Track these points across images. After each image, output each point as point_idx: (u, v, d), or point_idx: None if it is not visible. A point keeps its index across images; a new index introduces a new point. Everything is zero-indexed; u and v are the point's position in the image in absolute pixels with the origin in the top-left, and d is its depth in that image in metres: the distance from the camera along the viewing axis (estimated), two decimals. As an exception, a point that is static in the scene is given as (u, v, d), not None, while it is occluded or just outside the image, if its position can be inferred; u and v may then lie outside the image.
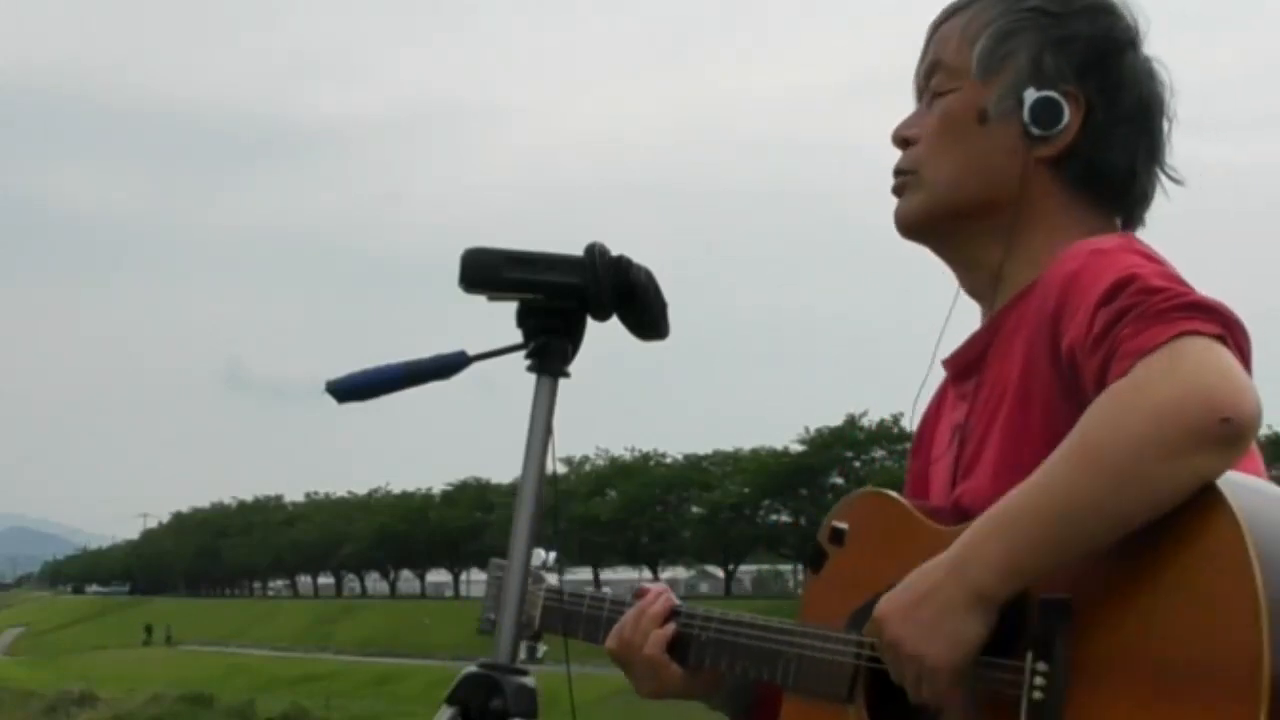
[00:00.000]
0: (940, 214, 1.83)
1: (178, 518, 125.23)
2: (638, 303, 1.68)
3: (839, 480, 61.80)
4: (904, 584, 1.58)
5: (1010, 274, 1.79)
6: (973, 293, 1.87)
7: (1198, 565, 1.43)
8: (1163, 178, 1.84)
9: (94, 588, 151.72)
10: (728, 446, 71.71)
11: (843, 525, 1.79)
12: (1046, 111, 1.76)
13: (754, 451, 68.08)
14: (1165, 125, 1.83)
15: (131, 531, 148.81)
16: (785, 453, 65.87)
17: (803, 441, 64.52)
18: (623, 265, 1.67)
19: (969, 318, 1.88)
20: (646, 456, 74.88)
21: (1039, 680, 1.50)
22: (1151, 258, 1.65)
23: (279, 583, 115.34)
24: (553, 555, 2.23)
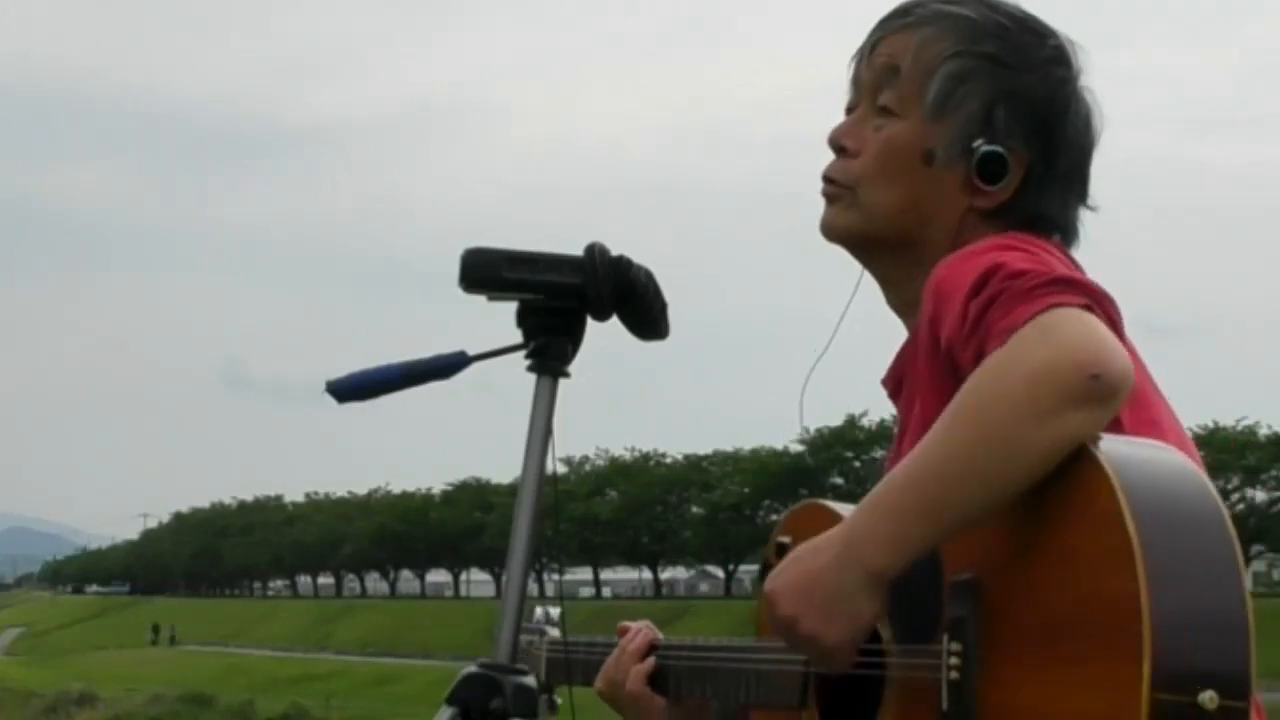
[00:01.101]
0: (870, 239, 1.87)
1: (178, 518, 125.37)
2: (638, 303, 1.68)
3: (839, 480, 61.89)
4: (793, 557, 1.59)
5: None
6: (892, 306, 1.91)
7: (1076, 524, 1.44)
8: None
9: (94, 588, 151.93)
10: (728, 446, 71.86)
11: (786, 540, 1.82)
12: (992, 166, 1.79)
13: (754, 451, 68.19)
14: (1091, 163, 1.87)
15: (131, 531, 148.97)
16: (785, 453, 65.97)
17: (803, 441, 64.63)
18: (623, 265, 1.67)
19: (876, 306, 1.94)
20: (646, 456, 74.96)
21: (954, 660, 1.53)
22: (1019, 248, 1.68)
23: (279, 583, 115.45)
24: (555, 612, 2.36)
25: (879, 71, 1.86)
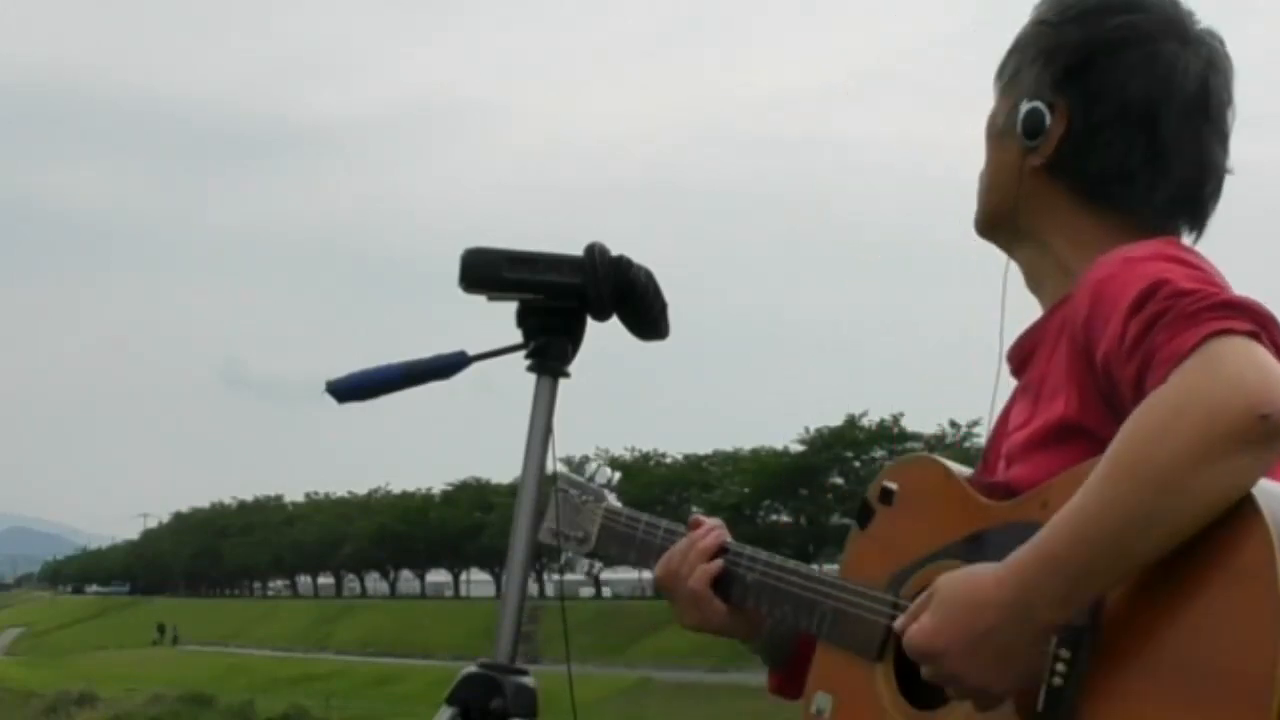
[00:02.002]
0: (985, 225, 1.91)
1: (178, 518, 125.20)
2: (638, 303, 1.69)
3: (839, 480, 61.84)
4: (948, 613, 1.56)
5: (1045, 277, 1.85)
6: (1029, 287, 1.91)
7: (1224, 570, 1.43)
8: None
9: (94, 588, 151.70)
10: (728, 446, 71.77)
11: (893, 486, 1.82)
12: (1029, 122, 1.82)
13: (754, 451, 68.11)
14: (1176, 118, 1.79)
15: (131, 531, 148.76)
16: (785, 453, 65.88)
17: (803, 441, 64.54)
18: (623, 265, 1.67)
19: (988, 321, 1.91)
20: (646, 456, 74.88)
21: (1060, 666, 1.53)
22: (1184, 261, 1.64)
23: (279, 583, 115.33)
24: (617, 475, 2.21)
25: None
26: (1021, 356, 1.86)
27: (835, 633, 1.84)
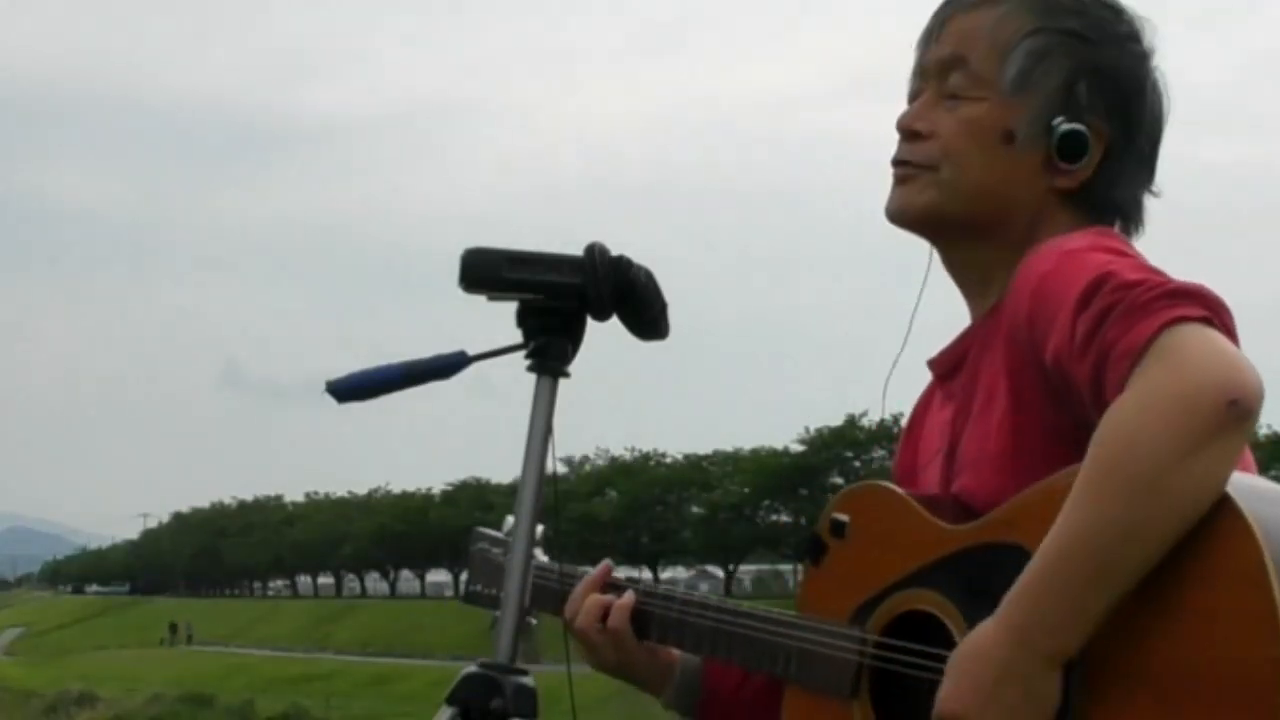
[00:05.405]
0: (948, 219, 1.81)
1: (178, 518, 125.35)
2: (638, 303, 1.68)
3: (839, 480, 61.79)
4: (957, 676, 1.52)
5: (1002, 281, 1.75)
6: (961, 287, 1.86)
7: (1214, 580, 1.41)
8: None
9: (94, 588, 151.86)
10: (728, 446, 71.82)
11: (843, 517, 1.77)
12: (1073, 144, 1.75)
13: (754, 451, 68.16)
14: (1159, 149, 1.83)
15: (131, 531, 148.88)
16: (785, 453, 65.93)
17: (803, 441, 64.62)
18: (623, 265, 1.67)
19: (938, 311, 1.89)
20: (646, 456, 74.94)
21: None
22: (1123, 252, 1.64)
23: (279, 583, 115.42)
24: (540, 528, 2.20)
25: (950, 53, 1.81)
26: (953, 362, 1.82)
27: (803, 674, 1.78)
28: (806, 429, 64.44)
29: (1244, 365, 1.43)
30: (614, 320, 1.69)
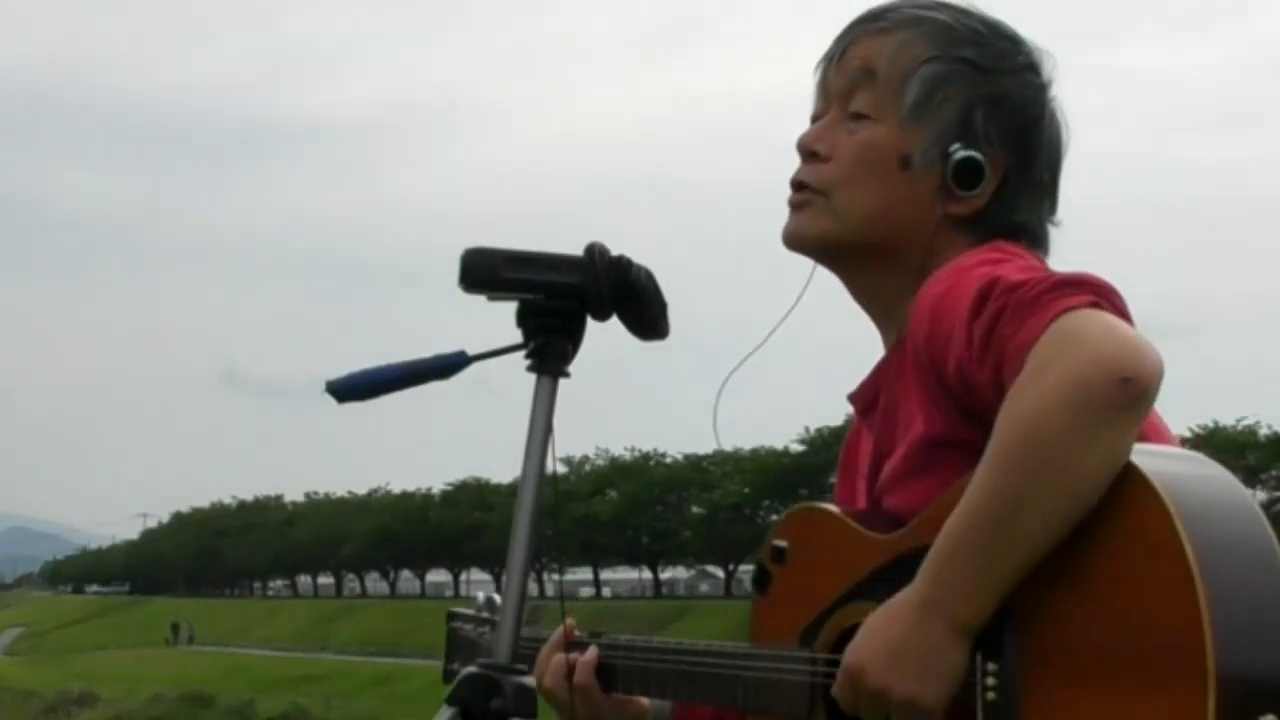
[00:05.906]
0: (843, 246, 1.84)
1: (178, 518, 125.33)
2: (638, 302, 1.68)
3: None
4: (867, 631, 1.56)
5: (906, 309, 1.76)
6: (869, 315, 1.89)
7: (1130, 548, 1.42)
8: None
9: (94, 588, 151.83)
10: (728, 446, 71.73)
11: (783, 543, 1.79)
12: (968, 172, 1.77)
13: (754, 451, 68.15)
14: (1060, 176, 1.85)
15: (131, 531, 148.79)
16: (785, 453, 65.97)
17: (803, 441, 64.62)
18: (623, 265, 1.67)
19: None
20: (646, 456, 74.95)
21: (990, 680, 1.50)
22: (1009, 256, 1.67)
23: (279, 583, 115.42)
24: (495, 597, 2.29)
25: (852, 75, 1.84)
26: (869, 396, 1.84)
27: (761, 702, 1.80)
28: (806, 429, 64.55)
29: (1137, 343, 1.46)
30: (614, 320, 1.69)
